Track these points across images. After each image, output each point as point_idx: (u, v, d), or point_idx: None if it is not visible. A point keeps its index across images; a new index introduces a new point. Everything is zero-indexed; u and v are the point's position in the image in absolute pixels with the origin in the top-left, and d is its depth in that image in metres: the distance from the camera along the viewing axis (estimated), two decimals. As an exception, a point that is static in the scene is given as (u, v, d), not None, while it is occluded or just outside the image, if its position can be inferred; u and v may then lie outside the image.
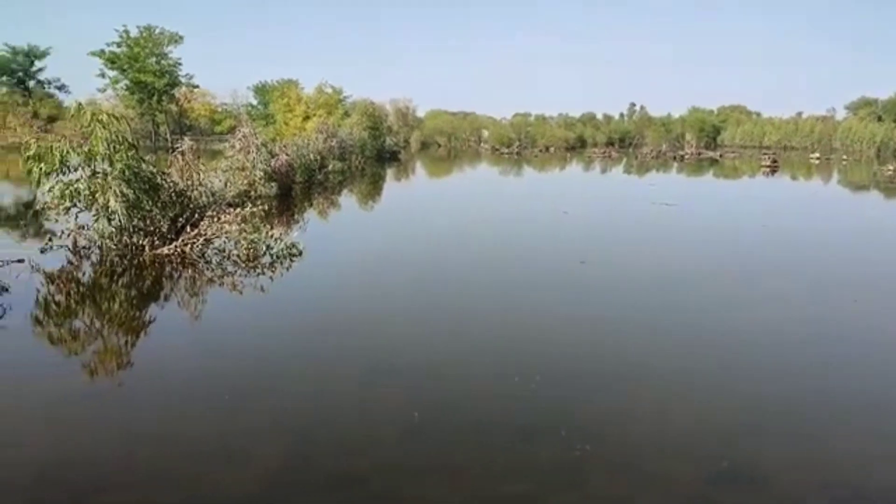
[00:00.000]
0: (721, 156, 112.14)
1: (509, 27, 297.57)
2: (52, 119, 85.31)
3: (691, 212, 35.07)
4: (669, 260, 20.39)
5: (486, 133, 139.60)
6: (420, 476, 7.32)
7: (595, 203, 39.57)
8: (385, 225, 28.67)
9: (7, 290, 12.75)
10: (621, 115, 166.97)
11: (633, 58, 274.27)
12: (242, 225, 17.52)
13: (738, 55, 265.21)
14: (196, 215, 18.57)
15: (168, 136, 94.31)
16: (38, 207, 30.32)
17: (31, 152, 16.58)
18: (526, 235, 24.77)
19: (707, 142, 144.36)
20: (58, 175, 16.61)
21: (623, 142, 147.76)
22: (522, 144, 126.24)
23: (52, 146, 16.51)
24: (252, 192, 26.66)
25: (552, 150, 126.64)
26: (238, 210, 18.02)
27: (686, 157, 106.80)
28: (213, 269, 16.74)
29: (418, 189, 51.40)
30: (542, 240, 23.75)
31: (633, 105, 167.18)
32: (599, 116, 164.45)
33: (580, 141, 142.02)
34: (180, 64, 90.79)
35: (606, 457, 7.80)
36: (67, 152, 16.38)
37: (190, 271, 16.54)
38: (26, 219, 27.47)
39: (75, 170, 16.82)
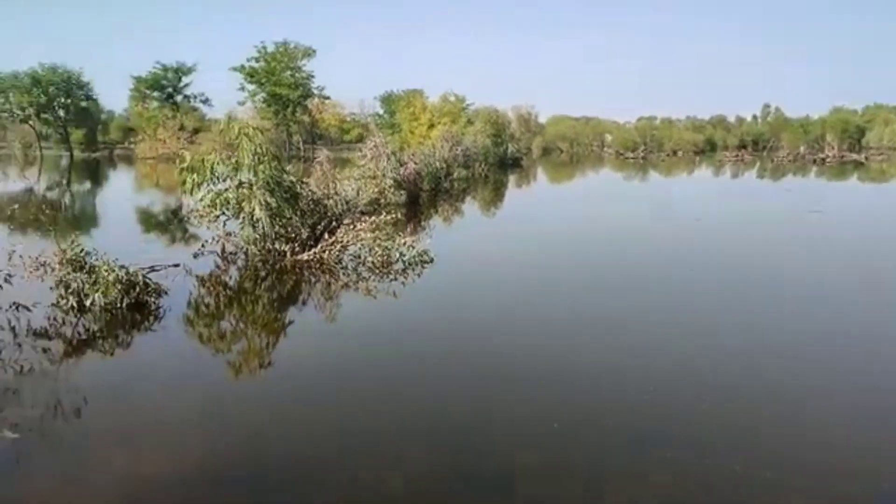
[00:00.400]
0: (867, 158, 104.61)
1: (633, 27, 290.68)
2: (196, 130, 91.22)
3: (841, 219, 32.97)
4: (821, 270, 19.27)
5: (609, 138, 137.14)
6: (562, 481, 7.32)
7: (729, 208, 37.98)
8: (509, 231, 28.71)
9: (167, 292, 13.81)
10: (754, 116, 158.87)
11: (766, 57, 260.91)
12: (377, 232, 18.13)
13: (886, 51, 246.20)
14: (333, 223, 19.39)
15: (301, 145, 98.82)
16: (184, 214, 32.84)
17: (186, 164, 17.90)
18: (656, 242, 24.14)
19: (851, 144, 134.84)
20: (209, 185, 17.84)
21: (756, 145, 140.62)
22: (648, 149, 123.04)
23: (203, 158, 17.75)
24: (382, 200, 27.47)
25: (680, 154, 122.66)
26: (373, 218, 18.67)
27: (827, 160, 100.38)
28: (348, 275, 17.41)
29: (541, 195, 51.20)
30: (674, 247, 23.07)
31: (768, 106, 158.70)
32: (730, 118, 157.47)
33: (709, 144, 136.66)
34: (313, 76, 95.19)
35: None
36: (217, 164, 17.55)
37: (327, 276, 17.29)
38: (174, 225, 29.65)
39: (224, 180, 17.99)
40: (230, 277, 17.48)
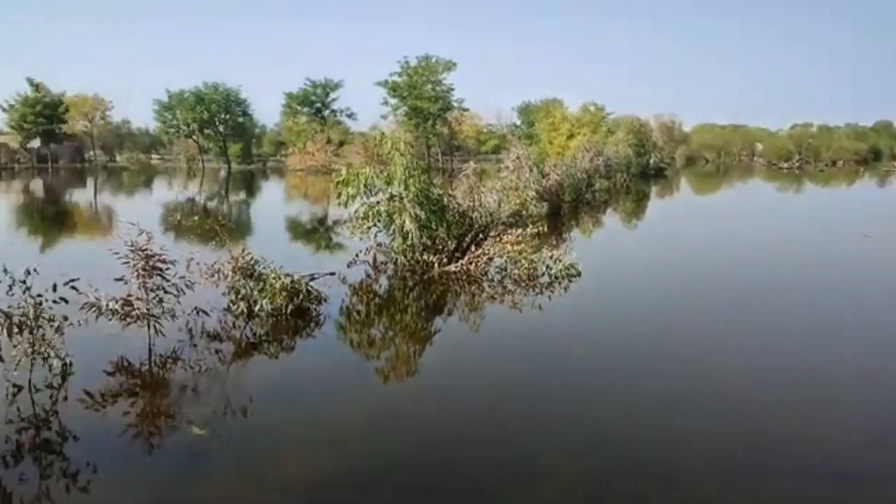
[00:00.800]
0: None
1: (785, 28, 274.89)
2: (341, 143, 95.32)
3: None
4: None
5: (759, 147, 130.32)
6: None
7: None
8: (655, 245, 27.95)
9: (326, 300, 14.52)
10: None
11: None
12: (522, 245, 18.19)
13: None
14: (480, 235, 19.65)
15: (439, 156, 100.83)
16: (330, 224, 34.44)
17: (342, 178, 18.76)
18: (820, 261, 22.68)
19: None
20: (362, 197, 18.59)
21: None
22: (803, 158, 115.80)
23: (358, 172, 18.54)
24: (524, 212, 27.49)
25: (839, 164, 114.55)
26: (519, 231, 18.75)
27: None
28: (493, 287, 17.57)
29: (686, 207, 49.43)
30: (842, 266, 21.59)
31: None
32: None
33: (874, 153, 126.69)
34: (453, 89, 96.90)
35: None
36: (371, 178, 18.27)
37: (473, 288, 17.54)
38: (320, 234, 31.14)
39: (376, 193, 18.68)
40: (380, 286, 18.13)
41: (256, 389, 10.36)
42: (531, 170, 30.46)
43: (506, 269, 18.49)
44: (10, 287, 9.53)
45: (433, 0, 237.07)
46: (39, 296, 9.67)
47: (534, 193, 29.75)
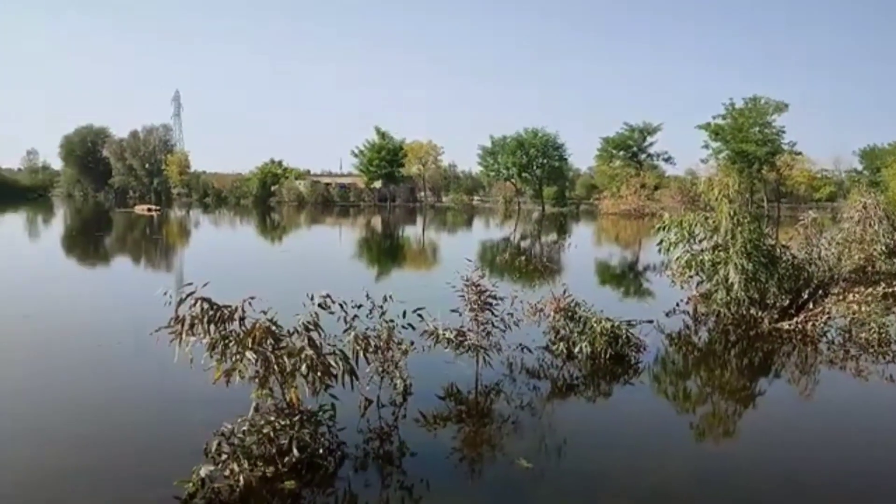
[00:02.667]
0: None
1: None
2: (655, 187, 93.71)
3: None
4: None
5: None
6: None
7: None
8: None
9: (645, 348, 14.35)
10: None
11: None
12: (872, 306, 16.23)
13: None
14: (819, 291, 17.97)
15: (764, 203, 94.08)
16: (640, 269, 33.89)
17: (664, 223, 18.48)
18: None
19: None
20: (684, 245, 18.08)
21: None
22: None
23: (682, 219, 18.10)
24: (869, 268, 24.48)
25: None
26: (870, 290, 16.76)
27: None
28: (834, 350, 15.90)
29: None
30: None
31: None
32: None
33: None
34: (783, 132, 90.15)
35: None
36: (696, 225, 17.71)
37: (807, 349, 16.03)
38: (630, 279, 30.79)
39: (699, 241, 18.05)
40: (699, 338, 17.42)
41: (573, 429, 10.59)
42: (881, 221, 27.01)
43: (849, 332, 16.63)
44: (370, 311, 10.92)
45: (765, 39, 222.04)
46: (391, 321, 10.95)
47: (883, 248, 26.39)
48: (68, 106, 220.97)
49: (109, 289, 25.29)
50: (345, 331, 9.81)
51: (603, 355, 13.49)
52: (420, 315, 11.47)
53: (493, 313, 12.38)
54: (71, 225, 66.78)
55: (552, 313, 13.91)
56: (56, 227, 65.67)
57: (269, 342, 8.37)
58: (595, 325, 13.48)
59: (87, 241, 46.69)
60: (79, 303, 20.90)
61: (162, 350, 8.76)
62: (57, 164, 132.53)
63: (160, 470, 8.42)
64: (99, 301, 21.51)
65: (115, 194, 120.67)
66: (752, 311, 17.62)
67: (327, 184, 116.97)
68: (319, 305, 9.05)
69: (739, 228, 17.22)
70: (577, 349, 13.48)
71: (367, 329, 10.33)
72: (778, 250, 18.22)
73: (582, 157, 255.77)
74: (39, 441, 9.60)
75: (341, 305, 9.72)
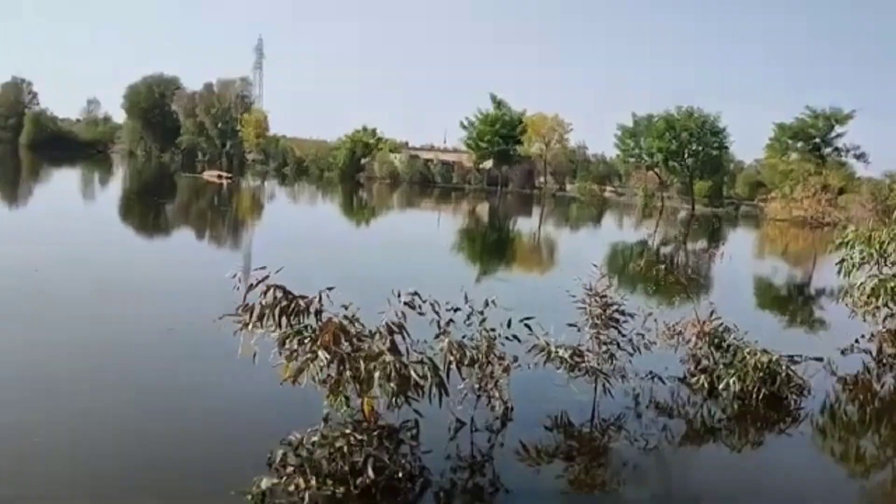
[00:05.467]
0: None
1: None
2: (841, 191, 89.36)
3: None
4: None
5: None
6: None
7: None
8: None
9: (810, 391, 13.88)
10: None
11: None
12: None
13: None
14: None
15: None
16: (812, 293, 32.60)
17: (845, 238, 17.80)
18: None
19: None
20: (872, 267, 17.33)
21: None
22: None
23: (871, 233, 17.36)
24: None
25: None
26: None
27: None
28: None
29: None
30: None
31: None
32: None
33: None
34: None
35: None
36: (889, 242, 16.93)
37: None
38: (796, 304, 29.77)
39: (892, 264, 17.27)
40: (882, 386, 16.82)
41: (709, 484, 10.49)
42: None
43: None
44: (468, 317, 11.05)
45: None
46: (493, 330, 11.07)
47: None
48: (139, 52, 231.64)
49: (165, 268, 26.39)
50: (436, 336, 9.95)
51: (755, 395, 13.15)
52: (528, 326, 11.51)
53: (619, 332, 12.31)
54: (130, 188, 70.56)
55: (693, 338, 13.70)
56: (113, 189, 69.55)
57: (345, 342, 8.56)
58: (748, 357, 13.14)
59: (146, 210, 49.16)
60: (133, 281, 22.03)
61: (224, 340, 9.15)
62: (119, 116, 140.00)
63: (214, 479, 8.89)
64: (152, 281, 22.54)
65: (182, 156, 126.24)
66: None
67: (427, 160, 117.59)
68: (407, 304, 9.19)
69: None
70: (721, 384, 13.21)
71: (463, 337, 10.46)
72: None
73: (748, 146, 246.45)
74: (81, 437, 10.26)
75: (433, 306, 9.81)
